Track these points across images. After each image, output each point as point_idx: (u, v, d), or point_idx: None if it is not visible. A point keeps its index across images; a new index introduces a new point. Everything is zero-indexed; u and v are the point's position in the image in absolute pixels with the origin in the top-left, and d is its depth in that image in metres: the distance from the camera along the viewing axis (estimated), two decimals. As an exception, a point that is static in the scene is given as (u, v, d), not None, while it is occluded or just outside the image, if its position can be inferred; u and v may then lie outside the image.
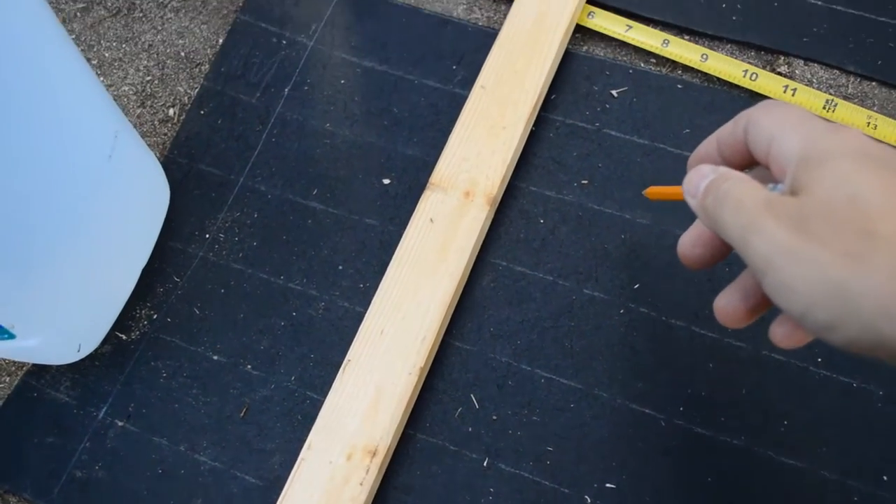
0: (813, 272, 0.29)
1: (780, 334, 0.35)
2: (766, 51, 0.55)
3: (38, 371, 0.50)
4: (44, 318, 0.45)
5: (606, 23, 0.56)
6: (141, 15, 0.61)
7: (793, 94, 0.52)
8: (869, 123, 0.51)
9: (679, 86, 0.54)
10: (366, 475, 0.44)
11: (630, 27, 0.56)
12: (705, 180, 0.35)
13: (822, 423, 0.46)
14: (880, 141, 0.48)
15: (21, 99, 0.38)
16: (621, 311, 0.49)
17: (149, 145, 0.55)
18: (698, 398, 0.46)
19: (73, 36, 0.60)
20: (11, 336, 0.43)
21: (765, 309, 0.35)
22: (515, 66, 0.53)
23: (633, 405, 0.47)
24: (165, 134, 0.57)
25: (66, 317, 0.47)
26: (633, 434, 0.46)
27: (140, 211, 0.51)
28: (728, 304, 0.36)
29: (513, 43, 0.54)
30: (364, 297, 0.50)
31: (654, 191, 0.44)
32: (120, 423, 0.49)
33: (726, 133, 0.36)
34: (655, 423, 0.46)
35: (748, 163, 0.36)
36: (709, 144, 0.38)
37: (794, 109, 0.33)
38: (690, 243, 0.38)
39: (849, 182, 0.29)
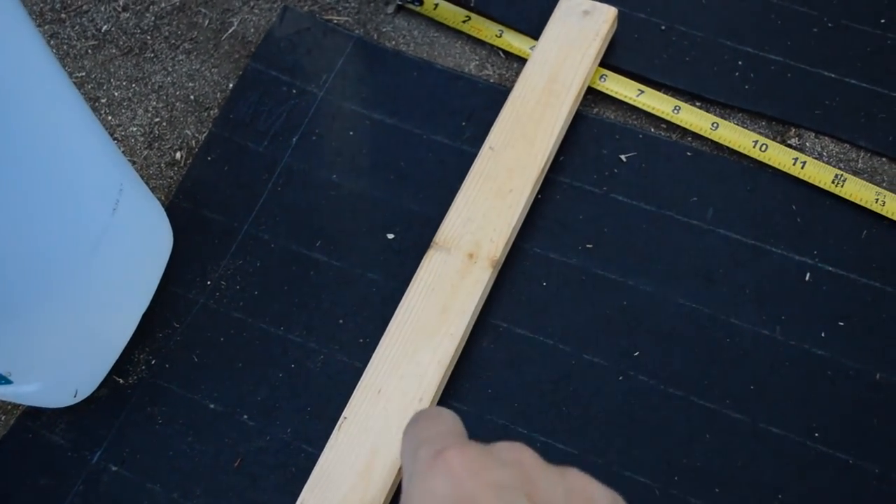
0: None
1: None
2: (778, 122, 0.58)
3: (34, 412, 0.53)
4: (41, 366, 0.48)
5: (618, 87, 0.59)
6: (152, 55, 0.64)
7: (802, 167, 0.55)
8: (878, 200, 0.54)
9: (688, 153, 0.57)
10: (357, 537, 0.47)
11: (642, 92, 0.59)
12: None
13: (816, 499, 0.48)
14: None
15: (26, 155, 0.40)
16: (620, 377, 0.51)
17: (154, 188, 0.59)
18: (694, 469, 0.49)
19: (83, 73, 0.63)
20: (8, 382, 0.46)
21: None
22: (525, 128, 0.56)
23: (627, 472, 0.49)
24: (171, 177, 0.60)
25: (64, 364, 0.50)
26: (627, 502, 0.49)
27: (143, 258, 0.54)
28: None
29: (524, 104, 0.57)
30: (363, 352, 0.53)
31: None
32: (114, 468, 0.51)
33: None
34: (650, 491, 0.49)
35: None
36: None
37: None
38: None
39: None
